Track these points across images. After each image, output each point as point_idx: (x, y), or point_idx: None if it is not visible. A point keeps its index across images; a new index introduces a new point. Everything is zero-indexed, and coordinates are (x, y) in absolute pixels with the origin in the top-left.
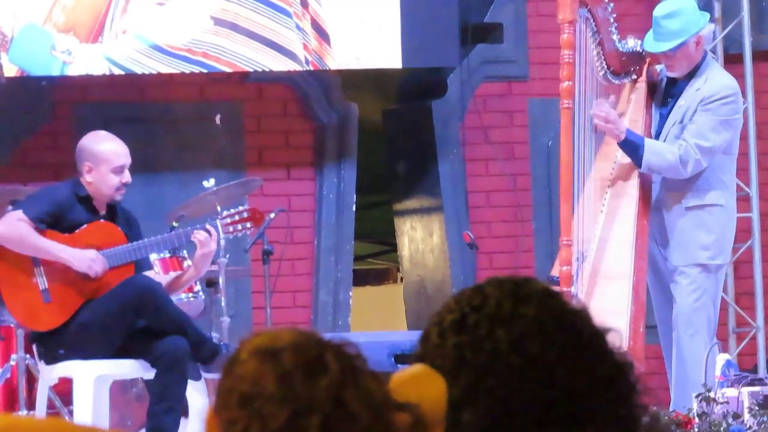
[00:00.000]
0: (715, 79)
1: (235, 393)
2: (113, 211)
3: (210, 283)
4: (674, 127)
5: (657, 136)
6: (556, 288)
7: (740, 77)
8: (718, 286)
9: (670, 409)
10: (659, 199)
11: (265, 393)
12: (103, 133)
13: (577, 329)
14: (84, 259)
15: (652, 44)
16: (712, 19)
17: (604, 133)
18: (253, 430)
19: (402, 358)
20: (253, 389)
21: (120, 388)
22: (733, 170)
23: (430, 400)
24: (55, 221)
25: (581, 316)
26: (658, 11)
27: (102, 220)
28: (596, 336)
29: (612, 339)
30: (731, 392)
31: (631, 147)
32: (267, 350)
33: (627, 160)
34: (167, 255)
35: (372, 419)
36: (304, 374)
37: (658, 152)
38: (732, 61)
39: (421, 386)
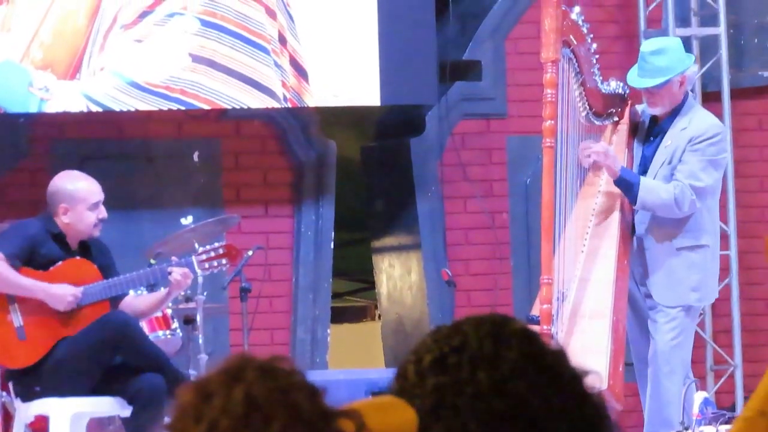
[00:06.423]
0: (702, 119)
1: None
2: (86, 246)
3: (188, 321)
4: (663, 167)
5: (641, 175)
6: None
7: (718, 115)
8: (693, 324)
9: None
10: (644, 237)
11: (186, 412)
12: (74, 172)
13: (557, 372)
14: (62, 301)
15: (636, 80)
16: None
17: (587, 171)
18: None
19: (380, 396)
20: (177, 412)
21: (97, 426)
22: (717, 210)
23: (399, 425)
24: (29, 257)
25: (560, 358)
26: (646, 47)
27: (77, 257)
28: (576, 378)
29: (590, 380)
30: (709, 430)
31: (626, 185)
32: (198, 379)
33: (608, 200)
34: (145, 293)
35: (292, 423)
36: (222, 387)
37: (652, 190)
38: (710, 99)
39: (390, 413)
